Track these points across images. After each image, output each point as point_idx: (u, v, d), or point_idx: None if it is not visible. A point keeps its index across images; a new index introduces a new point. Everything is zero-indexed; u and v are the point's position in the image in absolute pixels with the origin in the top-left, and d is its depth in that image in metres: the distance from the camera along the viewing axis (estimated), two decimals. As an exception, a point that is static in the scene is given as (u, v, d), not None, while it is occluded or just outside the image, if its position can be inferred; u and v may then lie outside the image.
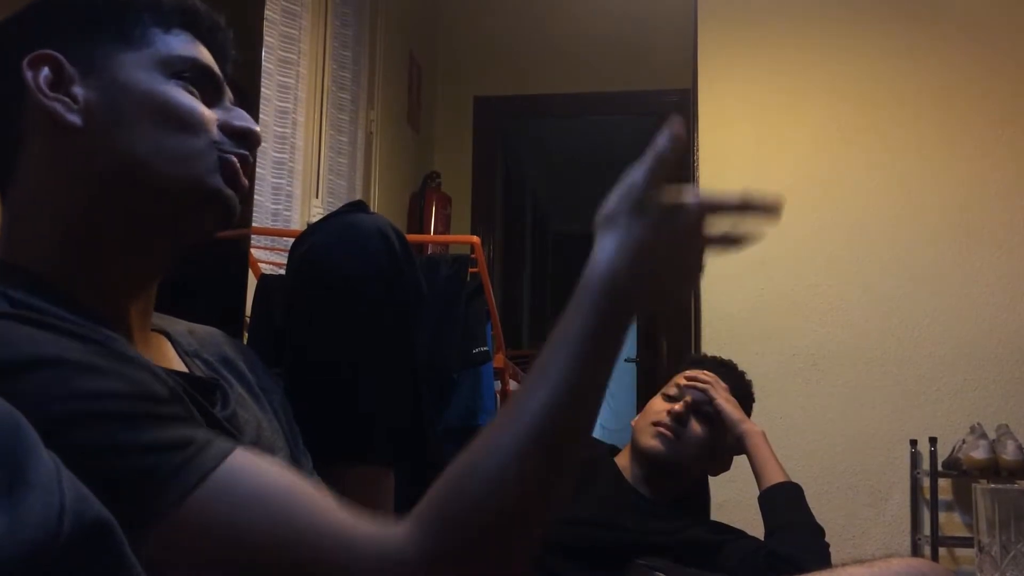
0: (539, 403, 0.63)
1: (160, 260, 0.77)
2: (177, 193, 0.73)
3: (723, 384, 1.68)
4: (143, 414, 0.59)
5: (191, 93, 0.75)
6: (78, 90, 0.72)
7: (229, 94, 0.81)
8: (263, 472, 0.62)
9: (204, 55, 0.78)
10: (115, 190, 0.72)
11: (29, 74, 0.71)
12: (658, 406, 1.66)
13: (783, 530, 1.50)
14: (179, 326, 0.84)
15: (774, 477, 1.56)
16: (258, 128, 0.80)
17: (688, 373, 1.69)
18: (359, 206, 1.09)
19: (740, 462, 1.69)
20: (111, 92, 0.73)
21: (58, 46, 0.73)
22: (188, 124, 0.74)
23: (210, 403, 0.74)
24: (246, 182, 0.77)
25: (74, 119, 0.71)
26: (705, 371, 1.70)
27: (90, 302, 0.70)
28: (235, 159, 0.76)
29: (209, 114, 0.76)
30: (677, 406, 1.62)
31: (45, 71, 0.72)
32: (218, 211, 0.75)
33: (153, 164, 0.72)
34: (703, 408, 1.64)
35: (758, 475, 1.59)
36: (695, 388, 1.65)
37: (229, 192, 0.75)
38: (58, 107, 0.71)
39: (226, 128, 0.76)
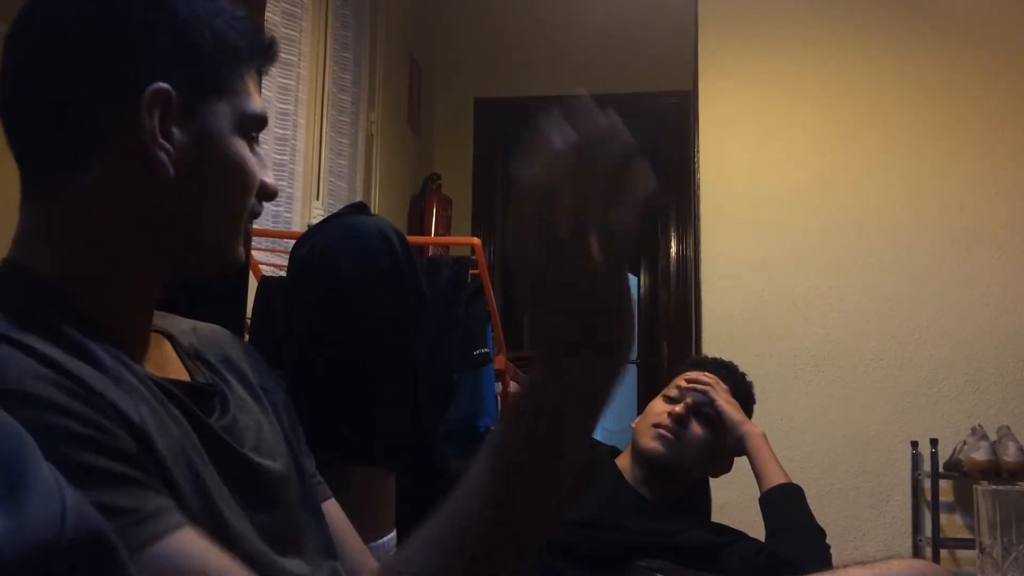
0: (463, 520, 0.61)
1: (168, 284, 0.78)
2: (212, 257, 0.76)
3: (724, 385, 1.68)
4: (93, 468, 0.58)
5: (251, 148, 0.77)
6: (176, 134, 0.70)
7: None
8: (201, 554, 0.60)
9: (262, 103, 0.79)
10: (162, 237, 0.73)
11: (146, 111, 0.69)
12: (658, 408, 1.66)
13: (784, 531, 1.50)
14: (183, 324, 0.84)
15: (775, 479, 1.56)
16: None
17: (689, 375, 1.68)
18: (360, 208, 1.09)
19: (741, 463, 1.69)
20: (202, 144, 0.72)
21: (172, 80, 0.70)
22: (250, 193, 0.76)
23: (208, 411, 0.74)
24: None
25: (170, 171, 0.70)
26: (706, 372, 1.70)
27: (95, 314, 0.70)
28: (250, 224, 0.79)
29: (258, 177, 0.77)
30: (677, 408, 1.62)
31: (160, 110, 0.69)
32: (230, 270, 0.79)
33: (207, 226, 0.74)
34: (703, 410, 1.64)
35: (759, 477, 1.59)
36: (695, 390, 1.64)
37: (242, 256, 0.79)
38: (164, 158, 0.69)
39: (260, 189, 0.78)
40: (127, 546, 0.55)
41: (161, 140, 0.69)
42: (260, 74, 0.80)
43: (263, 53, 0.79)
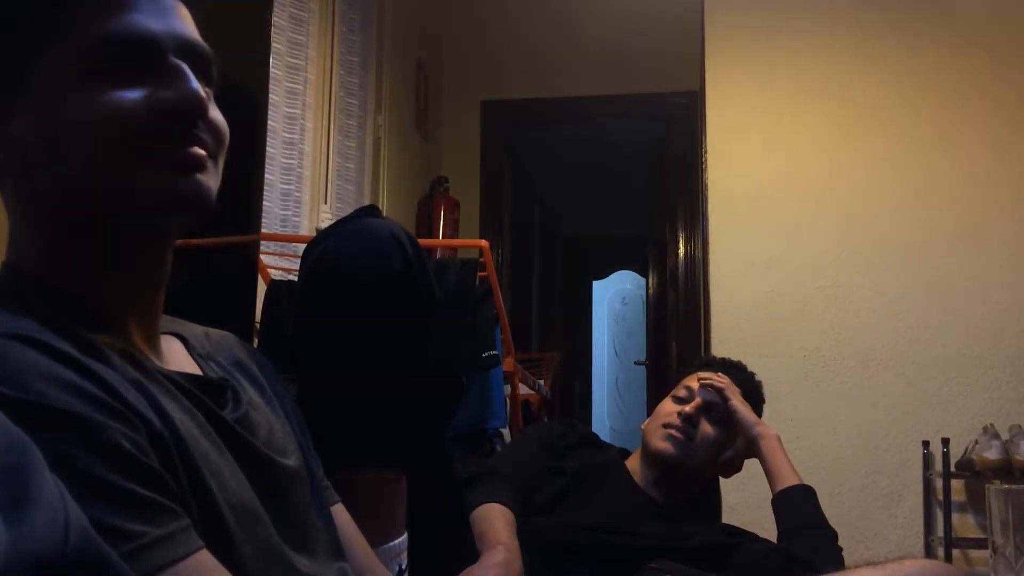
0: None
1: (150, 262, 0.74)
2: (123, 210, 0.69)
3: (736, 388, 1.67)
4: (105, 486, 0.57)
5: (122, 76, 0.67)
6: (10, 123, 0.68)
7: (176, 40, 0.71)
8: None
9: (130, 17, 0.68)
10: (69, 212, 0.70)
11: None
12: (668, 408, 1.66)
13: (797, 533, 1.49)
14: (195, 329, 0.84)
15: (787, 480, 1.56)
16: (190, 87, 0.69)
17: (701, 375, 1.68)
18: (371, 211, 1.09)
19: (752, 464, 1.69)
20: (42, 119, 0.67)
21: None
22: (127, 129, 0.67)
23: (220, 404, 0.75)
24: (199, 154, 0.70)
25: (10, 163, 0.68)
26: (718, 373, 1.70)
27: (96, 310, 0.70)
28: (171, 149, 0.68)
29: (128, 107, 0.67)
30: (687, 408, 1.62)
31: None
32: (174, 207, 0.70)
33: (88, 189, 0.68)
34: (713, 409, 1.63)
35: (771, 479, 1.58)
36: (710, 388, 1.64)
37: (175, 186, 0.68)
38: None
39: (153, 109, 0.68)
40: (136, 571, 0.54)
41: None
42: None
43: None
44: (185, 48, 0.71)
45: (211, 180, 0.71)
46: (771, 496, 1.56)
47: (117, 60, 0.67)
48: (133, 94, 0.67)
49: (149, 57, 0.69)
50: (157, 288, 0.76)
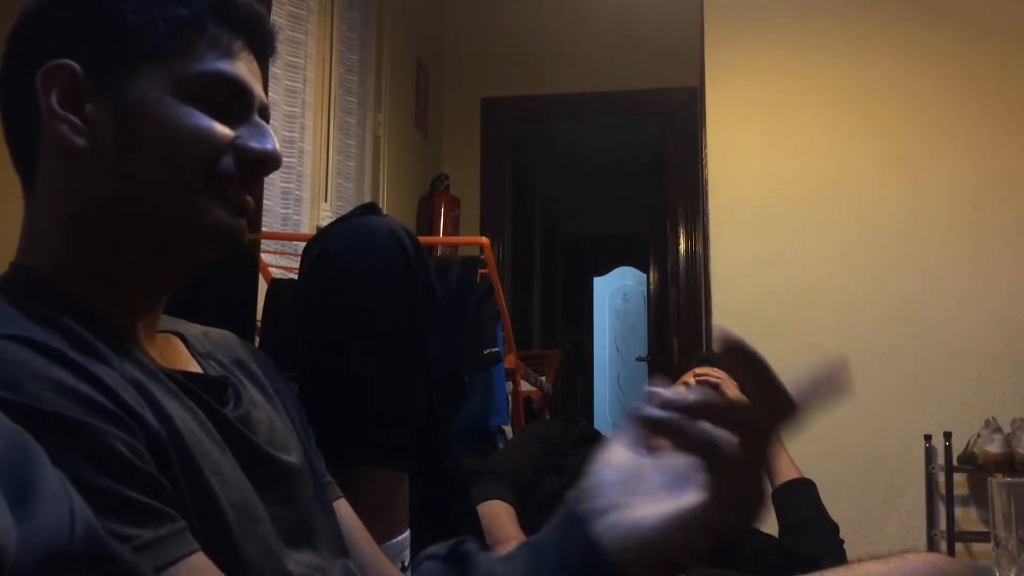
0: None
1: (169, 279, 0.76)
2: (175, 227, 0.72)
3: (733, 381, 1.67)
4: (99, 490, 0.57)
5: (212, 111, 0.72)
6: (89, 107, 0.70)
7: (261, 100, 0.77)
8: None
9: (236, 67, 0.74)
10: (116, 216, 0.71)
11: (41, 88, 0.69)
12: (667, 405, 1.66)
13: (798, 528, 1.50)
14: (193, 329, 0.84)
15: (787, 473, 1.56)
16: (275, 147, 0.76)
17: (698, 370, 1.68)
18: (371, 208, 1.09)
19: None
20: (121, 112, 0.70)
21: (78, 54, 0.70)
22: (195, 158, 0.71)
23: (222, 402, 0.75)
24: (252, 203, 0.76)
25: (79, 141, 0.69)
26: (714, 368, 1.70)
27: (101, 311, 0.70)
28: (238, 191, 0.73)
29: (220, 139, 0.72)
30: (686, 404, 1.62)
31: (58, 85, 0.69)
32: (220, 243, 0.74)
33: (150, 197, 0.71)
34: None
35: (770, 471, 1.58)
36: (706, 383, 1.64)
37: (230, 223, 0.73)
38: (64, 129, 0.69)
39: (240, 153, 0.73)
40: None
41: (63, 113, 0.69)
42: (227, 32, 0.75)
43: (219, 9, 0.75)
44: (265, 113, 0.78)
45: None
46: (771, 491, 1.56)
47: (216, 96, 0.73)
48: (221, 129, 0.72)
49: (241, 108, 0.74)
50: (165, 298, 0.77)
